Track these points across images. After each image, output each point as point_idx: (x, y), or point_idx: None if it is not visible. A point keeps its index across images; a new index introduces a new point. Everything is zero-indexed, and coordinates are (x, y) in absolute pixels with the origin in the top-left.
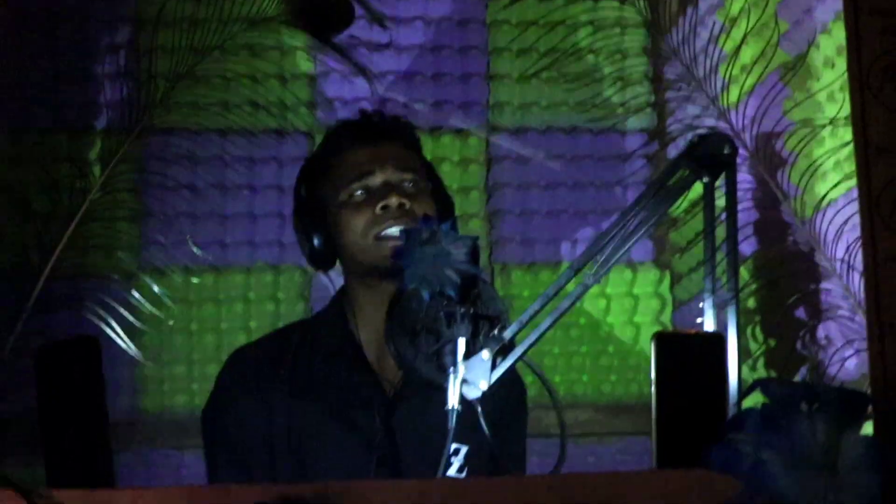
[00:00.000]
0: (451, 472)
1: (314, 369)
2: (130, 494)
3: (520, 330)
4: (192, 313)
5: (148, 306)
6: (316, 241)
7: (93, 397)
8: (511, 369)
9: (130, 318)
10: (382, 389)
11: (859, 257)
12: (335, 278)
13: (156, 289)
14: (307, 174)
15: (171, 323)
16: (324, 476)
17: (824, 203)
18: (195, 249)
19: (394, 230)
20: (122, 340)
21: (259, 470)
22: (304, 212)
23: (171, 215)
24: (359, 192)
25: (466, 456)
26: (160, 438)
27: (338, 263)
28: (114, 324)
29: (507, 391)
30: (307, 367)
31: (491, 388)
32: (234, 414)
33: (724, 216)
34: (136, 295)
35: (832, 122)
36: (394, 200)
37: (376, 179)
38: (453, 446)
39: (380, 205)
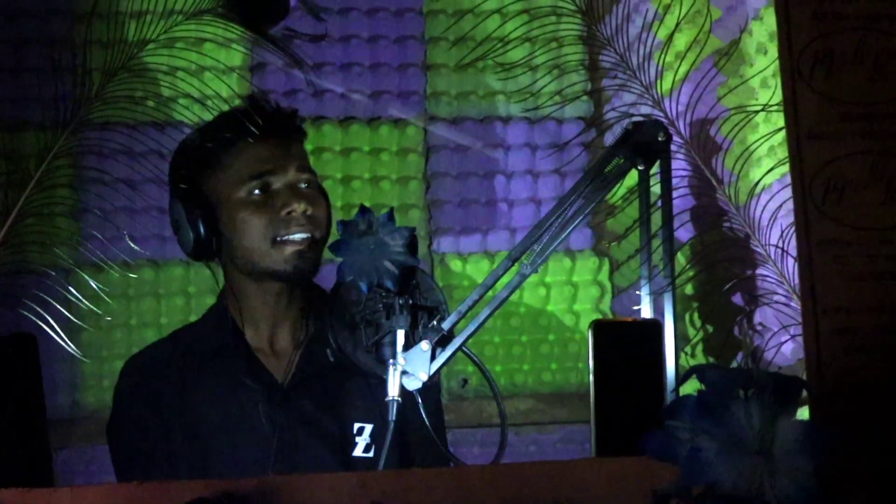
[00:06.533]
0: (357, 451)
1: (203, 369)
2: (69, 493)
3: (459, 320)
4: (131, 308)
5: (86, 302)
6: (203, 233)
7: (31, 395)
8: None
9: (68, 314)
10: (273, 381)
11: (793, 242)
12: None
13: (94, 284)
14: (193, 158)
15: (109, 318)
16: (225, 472)
17: (759, 189)
18: (132, 245)
19: (296, 236)
20: (60, 337)
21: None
22: (190, 200)
23: (109, 210)
24: (257, 192)
25: (371, 434)
26: (100, 435)
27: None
28: (52, 320)
29: None
30: (197, 368)
31: (431, 378)
32: (134, 424)
33: (660, 203)
34: (74, 291)
35: (765, 107)
36: (299, 207)
37: (278, 180)
38: (357, 425)
39: (285, 210)
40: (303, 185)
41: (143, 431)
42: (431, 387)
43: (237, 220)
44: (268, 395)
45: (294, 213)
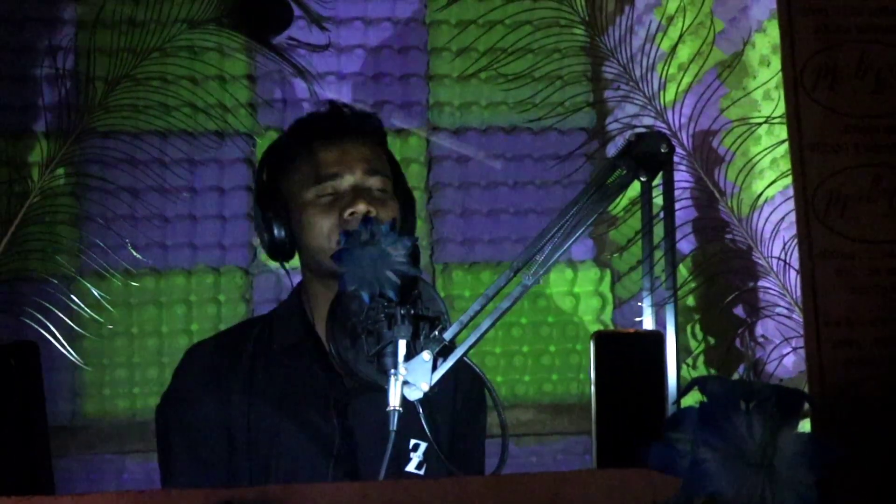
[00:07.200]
0: (411, 467)
1: (273, 362)
2: (70, 501)
3: (460, 330)
4: (132, 316)
5: (87, 311)
6: (276, 234)
7: (32, 402)
8: (463, 369)
9: (70, 322)
10: (342, 381)
11: (795, 255)
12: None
13: (95, 292)
14: (272, 161)
15: (111, 327)
16: (284, 470)
17: (761, 201)
18: (134, 253)
19: None
20: (62, 345)
21: (217, 466)
22: (267, 202)
23: (111, 218)
24: (326, 194)
25: (425, 452)
26: (101, 443)
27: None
28: (53, 328)
29: (468, 390)
30: (266, 360)
31: (432, 388)
32: (192, 409)
33: (662, 215)
34: (76, 299)
35: (768, 120)
36: (361, 208)
37: (345, 182)
38: (412, 442)
39: (347, 211)
40: (374, 189)
41: (202, 418)
42: (480, 400)
43: (304, 222)
44: (334, 396)
45: (356, 214)
